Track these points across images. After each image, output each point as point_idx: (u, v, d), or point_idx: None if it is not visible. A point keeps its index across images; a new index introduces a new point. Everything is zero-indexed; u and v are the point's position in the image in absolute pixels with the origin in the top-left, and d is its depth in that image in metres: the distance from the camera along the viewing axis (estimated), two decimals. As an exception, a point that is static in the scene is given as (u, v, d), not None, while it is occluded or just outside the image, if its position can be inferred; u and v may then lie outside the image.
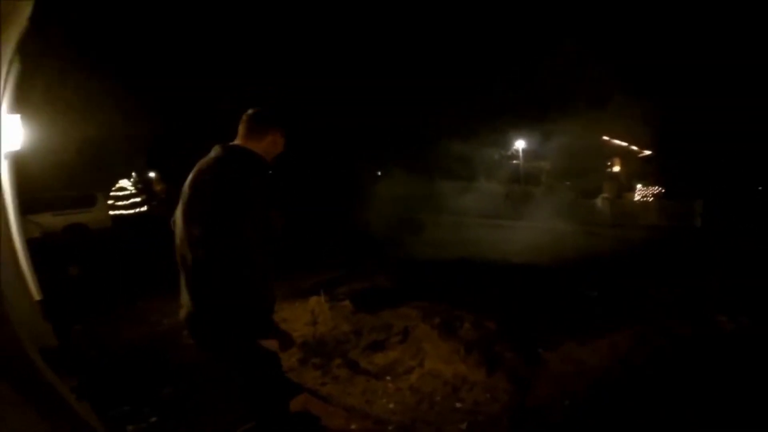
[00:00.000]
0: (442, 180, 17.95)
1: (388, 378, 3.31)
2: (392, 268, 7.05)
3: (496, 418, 2.71)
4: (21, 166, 3.49)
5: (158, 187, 27.63)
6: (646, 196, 17.96)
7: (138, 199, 21.15)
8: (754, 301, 4.60)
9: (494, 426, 2.65)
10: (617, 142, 22.22)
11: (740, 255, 8.10)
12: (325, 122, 22.98)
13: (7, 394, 1.48)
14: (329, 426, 2.62)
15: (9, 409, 1.47)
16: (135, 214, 20.06)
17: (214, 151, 1.73)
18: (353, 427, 2.70)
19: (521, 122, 20.73)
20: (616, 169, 22.79)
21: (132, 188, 21.84)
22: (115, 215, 17.43)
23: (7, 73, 2.78)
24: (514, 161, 22.58)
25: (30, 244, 3.38)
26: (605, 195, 16.74)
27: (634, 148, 22.85)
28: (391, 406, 2.93)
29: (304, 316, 4.59)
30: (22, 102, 3.24)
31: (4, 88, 2.83)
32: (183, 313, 1.69)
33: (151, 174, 29.88)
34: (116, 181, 21.31)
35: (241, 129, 1.81)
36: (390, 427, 2.68)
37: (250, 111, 1.84)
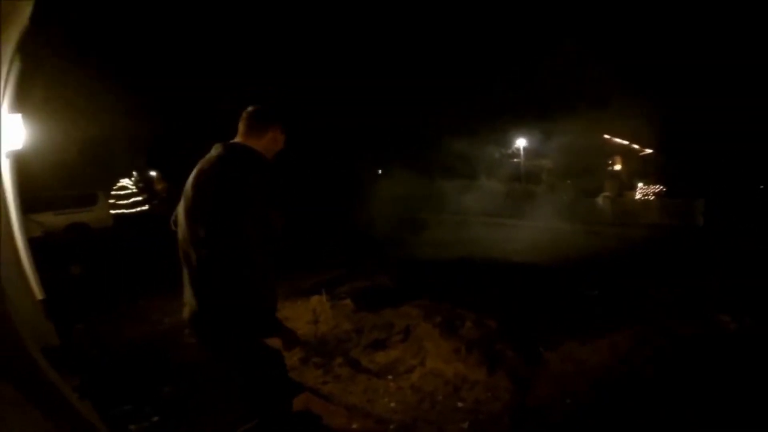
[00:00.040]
0: (443, 179, 17.93)
1: (390, 377, 3.31)
2: (393, 268, 7.05)
3: (497, 417, 2.72)
4: (22, 166, 3.49)
5: (159, 186, 27.62)
6: (647, 194, 17.89)
7: (139, 198, 21.15)
8: (757, 300, 4.58)
9: (495, 425, 2.65)
10: (618, 140, 22.16)
11: (742, 254, 8.08)
12: (325, 122, 22.99)
13: (9, 394, 1.49)
14: (330, 425, 2.62)
15: (11, 408, 1.47)
16: (136, 213, 20.07)
17: (215, 150, 1.73)
18: (354, 426, 2.70)
19: (522, 121, 20.69)
20: (618, 167, 22.73)
21: (133, 187, 21.84)
22: (117, 214, 17.44)
23: (8, 72, 2.78)
24: (515, 160, 22.55)
25: (32, 243, 3.39)
26: (606, 194, 16.70)
27: (636, 146, 22.80)
28: (393, 405, 2.93)
29: (305, 315, 4.60)
30: (23, 101, 3.24)
31: (6, 87, 2.83)
32: (186, 312, 1.68)
33: (152, 173, 29.88)
34: (117, 180, 21.31)
35: (241, 127, 1.81)
36: (391, 426, 2.68)
37: (249, 108, 1.83)
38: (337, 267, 7.21)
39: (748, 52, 21.69)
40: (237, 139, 1.80)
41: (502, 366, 3.24)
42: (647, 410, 2.63)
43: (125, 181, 21.73)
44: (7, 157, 3.07)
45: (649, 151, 22.76)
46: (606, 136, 21.63)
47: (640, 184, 18.84)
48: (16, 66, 2.86)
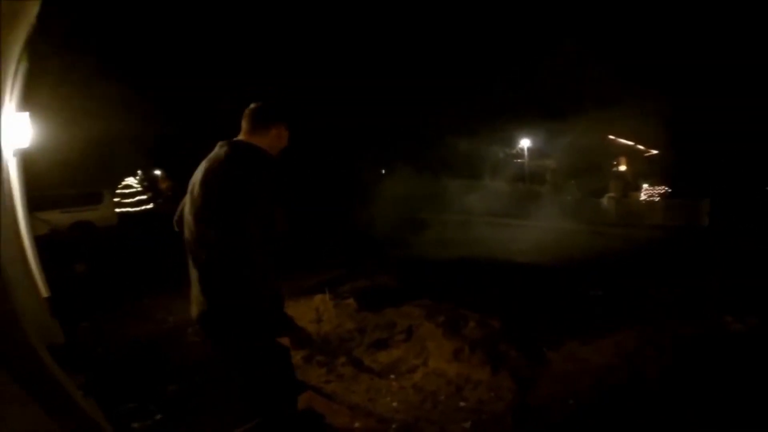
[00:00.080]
0: (446, 179, 17.90)
1: (392, 376, 3.32)
2: (394, 268, 7.04)
3: (500, 416, 2.71)
4: (29, 164, 3.51)
5: (164, 185, 27.73)
6: (652, 195, 17.79)
7: (144, 197, 21.22)
8: (762, 301, 4.55)
9: (498, 425, 2.65)
10: (623, 141, 22.04)
11: (747, 255, 8.02)
12: (326, 122, 22.97)
13: (14, 391, 1.50)
14: (333, 423, 2.63)
15: (16, 405, 1.49)
16: (141, 211, 20.14)
17: (221, 148, 1.71)
18: (357, 425, 2.71)
19: (526, 121, 20.63)
20: (622, 168, 22.57)
21: (138, 186, 21.89)
22: (121, 213, 17.53)
23: (16, 71, 2.80)
24: (519, 160, 22.48)
25: (38, 241, 3.41)
26: (611, 194, 16.60)
27: (641, 147, 22.66)
28: (395, 404, 2.94)
29: (308, 314, 4.61)
30: (30, 100, 3.27)
31: (13, 86, 2.85)
32: (194, 310, 1.68)
33: (157, 172, 29.99)
34: (122, 179, 21.39)
35: (245, 124, 1.79)
36: (393, 426, 2.68)
37: (252, 105, 1.81)
38: (338, 267, 7.20)
39: (754, 52, 21.53)
40: (241, 137, 1.78)
41: (505, 366, 3.23)
42: (650, 410, 2.62)
43: (130, 180, 21.78)
44: (15, 155, 3.10)
45: (654, 151, 22.61)
46: (611, 137, 21.53)
47: (645, 185, 18.74)
48: (24, 65, 2.88)
